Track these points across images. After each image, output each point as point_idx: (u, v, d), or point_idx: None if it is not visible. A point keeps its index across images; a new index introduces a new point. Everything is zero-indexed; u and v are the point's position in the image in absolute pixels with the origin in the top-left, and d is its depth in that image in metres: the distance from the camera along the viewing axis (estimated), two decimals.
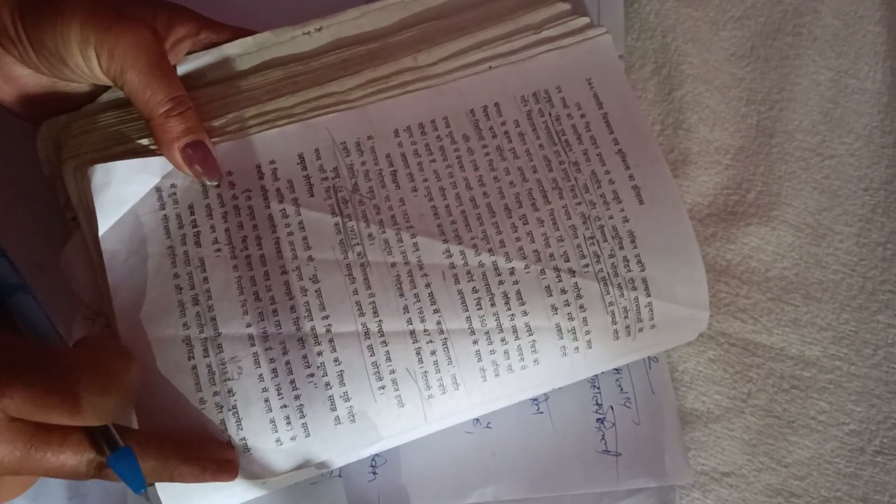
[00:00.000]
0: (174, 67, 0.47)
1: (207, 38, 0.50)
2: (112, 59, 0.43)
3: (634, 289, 0.47)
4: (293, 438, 0.44)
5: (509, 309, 0.46)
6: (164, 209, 0.46)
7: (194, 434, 0.43)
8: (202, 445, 0.43)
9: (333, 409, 0.44)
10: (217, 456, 0.43)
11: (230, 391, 0.44)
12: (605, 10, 0.57)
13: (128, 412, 0.41)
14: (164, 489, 0.43)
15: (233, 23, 0.51)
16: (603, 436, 0.51)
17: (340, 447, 0.45)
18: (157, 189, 0.46)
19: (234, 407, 0.44)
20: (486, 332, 0.45)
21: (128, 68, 0.44)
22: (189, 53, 0.50)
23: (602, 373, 0.51)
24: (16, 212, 0.53)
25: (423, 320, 0.45)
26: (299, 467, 0.44)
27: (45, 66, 0.45)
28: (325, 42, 0.51)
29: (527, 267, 0.46)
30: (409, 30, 0.51)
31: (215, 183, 0.47)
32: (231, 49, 0.50)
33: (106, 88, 0.49)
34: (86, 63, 0.44)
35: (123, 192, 0.46)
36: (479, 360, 0.45)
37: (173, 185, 0.47)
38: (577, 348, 0.46)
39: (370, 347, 0.45)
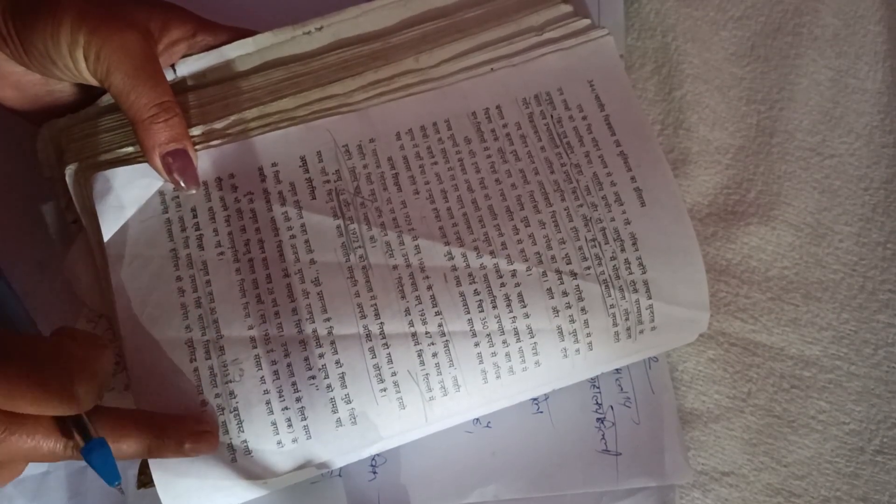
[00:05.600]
0: (163, 71, 0.46)
1: (204, 41, 0.50)
2: (98, 60, 0.43)
3: (636, 291, 0.47)
4: (294, 440, 0.44)
5: (511, 311, 0.46)
6: (167, 213, 0.46)
7: (172, 409, 0.44)
8: (178, 419, 0.43)
9: (335, 411, 0.44)
10: (194, 428, 0.43)
11: (231, 393, 0.44)
12: (606, 9, 0.57)
13: (99, 400, 0.40)
14: (164, 489, 0.43)
15: (232, 23, 0.50)
16: (603, 435, 0.51)
17: (341, 448, 0.45)
18: (161, 193, 0.46)
19: (236, 409, 0.44)
20: (488, 334, 0.45)
21: (113, 71, 0.43)
22: (186, 56, 0.49)
23: (602, 373, 0.51)
24: (16, 212, 0.53)
25: (424, 322, 0.45)
26: (300, 468, 0.45)
27: (36, 65, 0.45)
28: (326, 42, 0.51)
29: (528, 269, 0.46)
30: (410, 29, 0.51)
31: (192, 191, 0.47)
32: (231, 50, 0.50)
33: (104, 90, 0.48)
34: (74, 64, 0.43)
35: (126, 196, 0.46)
36: (481, 361, 0.45)
37: (177, 190, 0.47)
38: (578, 350, 0.47)
39: (372, 349, 0.45)
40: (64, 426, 0.38)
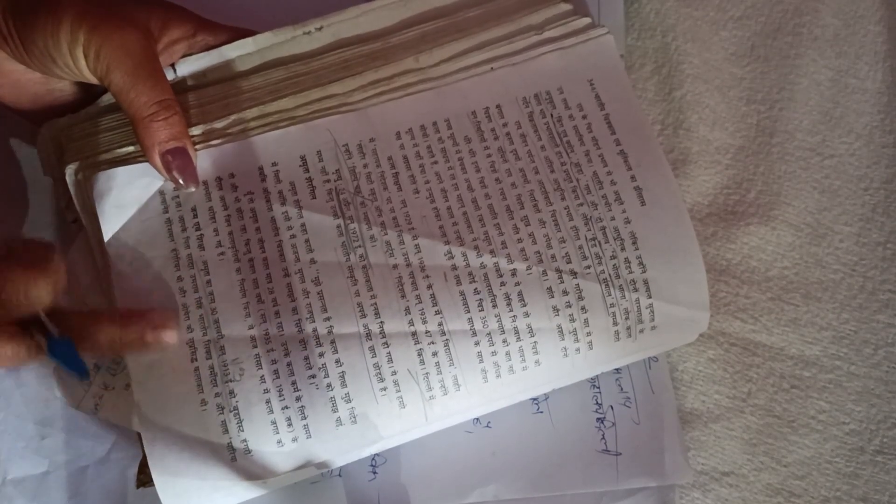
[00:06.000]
0: (163, 70, 0.46)
1: (204, 41, 0.49)
2: (98, 59, 0.43)
3: (636, 290, 0.47)
4: (294, 440, 0.44)
5: (511, 310, 0.46)
6: (167, 212, 0.46)
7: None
8: (138, 312, 0.42)
9: (335, 410, 0.44)
10: (155, 320, 0.42)
11: (231, 392, 0.44)
12: (606, 9, 0.57)
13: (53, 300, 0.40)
14: (163, 489, 0.43)
15: (232, 23, 0.50)
16: (603, 435, 0.51)
17: (341, 448, 0.45)
18: (161, 192, 0.46)
19: (236, 408, 0.44)
20: (488, 334, 0.45)
21: (113, 69, 0.43)
22: (186, 55, 0.49)
23: (602, 372, 0.51)
24: (16, 212, 0.53)
25: (424, 321, 0.45)
26: (300, 468, 0.45)
27: (36, 63, 0.45)
28: (327, 42, 0.51)
29: (528, 268, 0.46)
30: (410, 29, 0.51)
31: (192, 190, 0.47)
32: (231, 50, 0.50)
33: (104, 89, 0.48)
34: (74, 62, 0.44)
35: (126, 196, 0.46)
36: (481, 361, 0.45)
37: (176, 188, 0.47)
38: (578, 349, 0.47)
39: (372, 349, 0.45)
40: (26, 330, 0.38)
